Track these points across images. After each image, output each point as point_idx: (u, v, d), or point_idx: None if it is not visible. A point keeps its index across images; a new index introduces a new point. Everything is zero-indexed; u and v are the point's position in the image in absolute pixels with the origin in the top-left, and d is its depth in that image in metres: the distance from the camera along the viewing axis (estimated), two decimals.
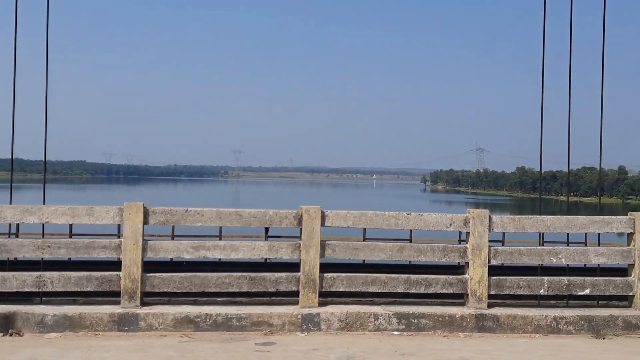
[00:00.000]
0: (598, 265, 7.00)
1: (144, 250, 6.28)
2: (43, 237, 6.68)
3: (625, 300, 6.98)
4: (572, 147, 8.03)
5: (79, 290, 6.30)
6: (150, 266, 6.53)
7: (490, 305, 6.59)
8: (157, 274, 6.37)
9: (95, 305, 6.30)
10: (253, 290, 6.47)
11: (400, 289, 6.58)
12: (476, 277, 6.56)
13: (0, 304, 6.20)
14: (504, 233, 7.00)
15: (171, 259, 6.65)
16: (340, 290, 6.54)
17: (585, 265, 7.05)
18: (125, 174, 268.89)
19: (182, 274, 6.40)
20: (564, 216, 6.93)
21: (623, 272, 7.04)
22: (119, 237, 6.51)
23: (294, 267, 6.65)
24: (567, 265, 6.97)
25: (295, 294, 6.48)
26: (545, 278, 6.73)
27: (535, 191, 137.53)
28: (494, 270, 6.74)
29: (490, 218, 6.64)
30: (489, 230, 6.61)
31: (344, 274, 6.55)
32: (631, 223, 6.82)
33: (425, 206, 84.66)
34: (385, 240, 6.79)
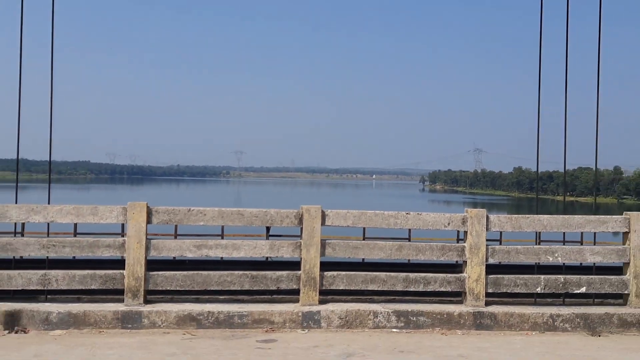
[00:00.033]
0: (594, 263, 7.01)
1: (147, 249, 6.28)
2: (48, 236, 6.68)
3: (620, 298, 6.98)
4: (568, 148, 8.03)
5: (84, 288, 6.30)
6: (153, 265, 6.54)
7: (487, 303, 6.60)
8: (160, 273, 6.37)
9: (100, 303, 6.31)
10: (254, 289, 6.47)
11: (399, 287, 6.58)
12: (474, 275, 6.56)
13: (5, 302, 6.20)
14: (501, 232, 7.00)
15: (174, 257, 6.65)
16: (340, 288, 6.55)
17: (581, 263, 7.05)
18: (129, 174, 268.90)
19: (185, 273, 6.40)
20: (561, 216, 6.93)
21: (618, 270, 7.04)
22: (122, 236, 6.52)
23: (294, 265, 6.65)
24: (564, 263, 6.97)
25: (296, 292, 6.48)
26: (542, 276, 6.73)
27: (532, 191, 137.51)
28: (491, 269, 6.74)
29: (487, 217, 6.64)
30: (487, 229, 6.62)
31: (344, 273, 6.55)
32: (626, 222, 6.82)
33: (424, 206, 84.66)
34: (384, 239, 6.79)
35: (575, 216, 6.96)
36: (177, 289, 6.39)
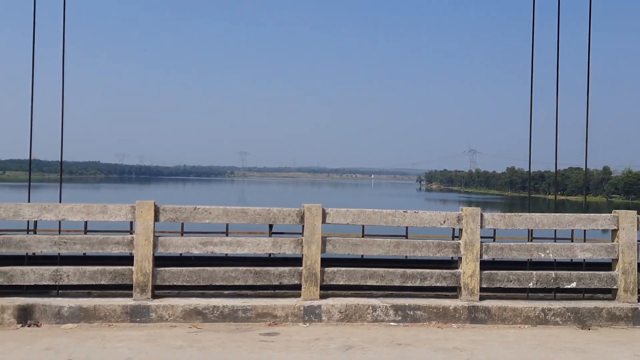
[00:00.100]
0: (584, 260, 7.01)
1: (154, 245, 6.28)
2: (59, 233, 6.68)
3: (609, 293, 6.98)
4: (559, 149, 8.03)
5: (94, 283, 6.31)
6: (160, 261, 6.54)
7: (482, 298, 6.59)
8: (167, 268, 6.37)
9: (109, 297, 6.31)
10: (258, 284, 6.47)
11: (397, 283, 6.58)
12: (469, 271, 6.56)
13: (19, 297, 6.21)
14: (495, 230, 7.00)
15: (180, 254, 6.66)
16: (340, 283, 6.55)
17: (571, 260, 7.05)
18: (137, 174, 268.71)
19: (191, 268, 6.40)
20: (552, 214, 6.93)
21: (607, 266, 7.04)
22: (131, 233, 6.52)
23: (296, 261, 6.65)
24: (555, 260, 6.97)
25: (298, 287, 6.48)
26: (534, 272, 6.73)
27: (524, 190, 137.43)
28: (485, 265, 6.73)
29: (482, 215, 6.64)
30: (481, 227, 6.62)
31: (343, 269, 6.55)
32: (615, 220, 6.81)
33: (421, 204, 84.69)
34: (382, 237, 6.79)
35: (566, 214, 6.96)
36: (184, 284, 6.40)
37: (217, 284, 6.45)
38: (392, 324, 6.28)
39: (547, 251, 6.74)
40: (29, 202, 6.64)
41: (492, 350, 5.41)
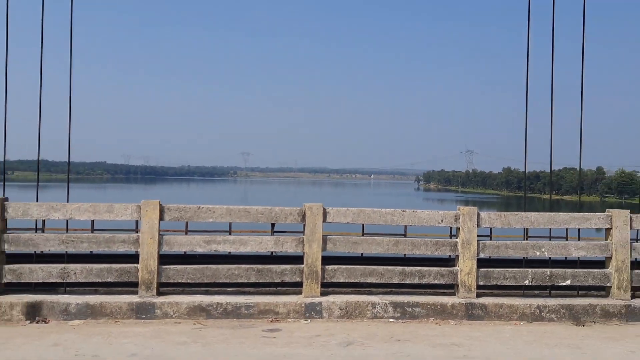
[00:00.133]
0: (578, 258, 7.00)
1: (159, 244, 6.28)
2: (67, 232, 6.68)
3: (603, 290, 6.97)
4: (554, 150, 8.02)
5: (100, 281, 6.31)
6: (165, 259, 6.54)
7: (478, 295, 6.59)
8: (172, 266, 6.37)
9: (115, 295, 6.31)
10: (260, 281, 6.47)
11: (395, 280, 6.57)
12: (466, 269, 6.55)
13: (27, 294, 6.22)
14: (491, 228, 6.99)
15: (185, 252, 6.65)
16: (341, 281, 6.54)
17: (566, 258, 7.04)
18: (143, 174, 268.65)
19: (195, 266, 6.40)
20: (547, 213, 6.92)
21: (601, 264, 7.03)
22: (136, 232, 6.52)
23: (298, 259, 6.65)
24: (550, 258, 6.95)
25: (299, 284, 6.48)
26: (530, 270, 6.72)
27: (520, 190, 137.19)
28: (482, 263, 6.73)
29: (478, 215, 6.63)
30: (478, 225, 6.61)
31: (344, 266, 6.55)
32: (608, 219, 6.81)
33: (419, 204, 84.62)
34: (382, 235, 6.78)
35: (561, 213, 6.95)
36: (188, 281, 6.39)
37: (220, 281, 6.45)
38: (391, 320, 6.28)
39: (543, 249, 6.73)
40: (37, 201, 6.64)
41: (489, 346, 5.40)
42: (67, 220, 6.52)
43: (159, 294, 6.31)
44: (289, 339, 5.45)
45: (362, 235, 6.87)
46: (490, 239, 7.05)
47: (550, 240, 7.10)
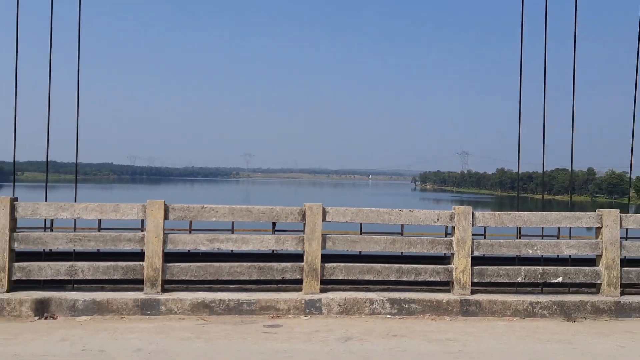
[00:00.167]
0: (569, 256, 6.99)
1: (164, 242, 6.28)
2: (75, 231, 6.68)
3: (593, 287, 6.97)
4: (546, 151, 8.02)
5: (107, 278, 6.31)
6: (170, 257, 6.53)
7: (473, 292, 6.58)
8: (176, 264, 6.37)
9: (121, 291, 6.31)
10: (262, 279, 6.47)
11: (393, 277, 6.57)
12: (461, 266, 6.55)
13: (36, 291, 6.21)
14: (485, 227, 6.99)
15: (189, 250, 6.65)
16: (340, 278, 6.54)
17: (558, 256, 7.03)
18: (148, 175, 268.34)
19: (199, 264, 6.40)
20: (539, 212, 6.92)
21: (592, 262, 7.03)
22: (142, 231, 6.51)
23: (298, 257, 6.64)
24: (542, 256, 6.95)
25: (299, 281, 6.48)
26: (522, 267, 6.72)
27: (513, 190, 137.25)
28: (476, 261, 6.73)
29: (473, 214, 6.63)
30: (472, 224, 6.61)
31: (342, 264, 6.55)
32: (599, 218, 6.81)
33: (415, 203, 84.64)
34: (379, 234, 6.78)
35: (553, 213, 6.95)
36: (192, 279, 6.39)
37: (223, 278, 6.45)
38: (388, 316, 6.27)
39: (535, 248, 6.73)
40: (46, 201, 6.63)
41: (483, 341, 5.40)
42: (74, 220, 6.52)
43: (164, 290, 6.31)
44: (290, 335, 5.45)
45: (361, 234, 6.87)
46: (485, 238, 7.05)
47: (542, 238, 7.10)
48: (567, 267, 6.80)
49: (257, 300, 6.17)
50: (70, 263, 6.27)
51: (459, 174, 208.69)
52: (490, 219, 6.76)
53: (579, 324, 6.25)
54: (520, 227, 7.04)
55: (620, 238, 6.81)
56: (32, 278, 6.24)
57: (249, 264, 6.44)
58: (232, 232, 6.77)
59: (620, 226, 6.79)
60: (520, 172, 8.81)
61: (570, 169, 8.71)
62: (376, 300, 6.32)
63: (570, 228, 7.04)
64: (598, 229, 6.86)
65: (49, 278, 6.26)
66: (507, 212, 6.85)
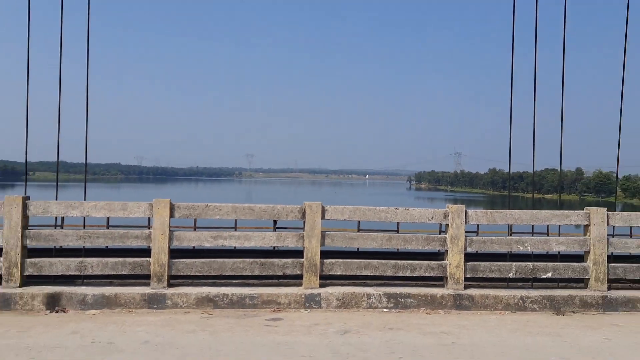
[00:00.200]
0: (558, 252, 7.00)
1: (170, 239, 6.28)
2: (84, 228, 6.69)
3: (582, 282, 6.98)
4: (536, 152, 8.03)
5: (115, 273, 6.31)
6: (175, 253, 6.54)
7: (466, 287, 6.59)
8: (181, 260, 6.37)
9: (129, 286, 6.31)
10: (263, 274, 6.47)
11: (389, 273, 6.58)
12: (454, 262, 6.56)
13: (47, 285, 6.21)
14: (478, 225, 6.99)
15: (193, 247, 6.65)
16: (338, 273, 6.54)
17: (547, 252, 7.05)
18: (154, 175, 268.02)
19: (203, 260, 6.40)
20: (530, 210, 6.93)
21: (580, 258, 7.04)
22: (149, 228, 6.52)
23: (298, 254, 6.64)
24: (532, 252, 6.96)
25: (300, 277, 6.48)
26: (514, 263, 6.73)
27: (504, 189, 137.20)
28: (469, 257, 6.73)
29: (466, 212, 6.63)
30: (465, 222, 6.61)
31: (341, 260, 6.55)
32: (587, 216, 6.81)
33: (411, 202, 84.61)
34: (376, 231, 6.78)
35: (542, 211, 6.96)
36: (196, 274, 6.39)
37: (226, 274, 6.45)
38: (385, 310, 6.28)
39: (525, 244, 6.73)
40: (56, 200, 6.63)
41: (476, 334, 5.41)
42: (84, 217, 6.52)
43: (170, 285, 6.31)
44: (290, 328, 5.45)
45: (358, 231, 6.87)
46: (477, 235, 7.05)
47: (532, 235, 7.10)
48: (556, 263, 6.81)
49: (259, 295, 6.17)
50: (80, 259, 6.27)
51: (452, 174, 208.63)
52: (483, 217, 6.77)
53: (568, 317, 6.26)
54: (511, 225, 7.04)
55: (608, 235, 6.81)
56: (43, 273, 6.24)
57: (251, 260, 6.45)
58: (235, 230, 6.78)
59: (608, 224, 6.80)
60: (511, 172, 8.82)
61: (559, 169, 8.72)
62: (373, 295, 6.32)
63: (559, 226, 7.04)
64: (586, 227, 6.87)
65: (59, 273, 6.26)
66: (499, 211, 6.86)
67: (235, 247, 6.64)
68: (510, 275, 6.70)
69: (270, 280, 6.75)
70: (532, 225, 7.04)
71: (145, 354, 4.56)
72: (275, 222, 6.74)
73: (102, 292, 6.03)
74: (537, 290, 6.73)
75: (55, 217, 6.65)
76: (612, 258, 7.04)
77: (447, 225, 6.65)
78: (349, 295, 6.29)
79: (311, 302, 6.23)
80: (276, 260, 6.46)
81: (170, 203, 6.30)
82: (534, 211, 6.89)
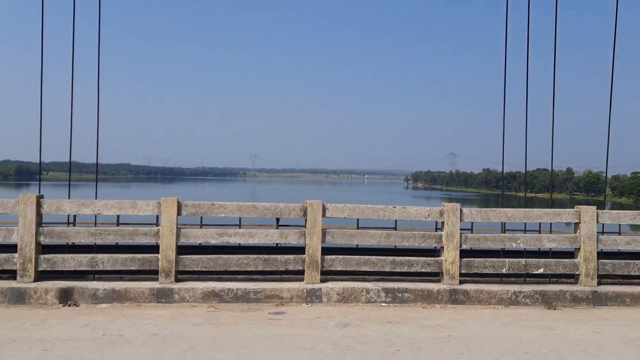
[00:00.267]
0: (550, 249, 6.99)
1: (177, 236, 6.28)
2: (95, 225, 6.69)
3: (572, 278, 6.97)
4: (528, 152, 8.03)
5: (125, 269, 6.31)
6: (182, 249, 6.54)
7: (461, 282, 6.58)
8: (188, 256, 6.37)
9: (138, 281, 6.31)
10: (267, 269, 6.47)
11: (387, 269, 6.57)
12: (450, 258, 6.55)
13: (60, 280, 6.22)
14: (472, 223, 6.98)
15: (200, 243, 6.65)
16: (338, 269, 6.54)
17: (539, 249, 7.03)
18: (162, 175, 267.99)
19: (209, 256, 6.40)
20: (522, 209, 6.92)
21: (571, 255, 7.02)
22: (157, 225, 6.52)
23: (300, 250, 6.64)
24: (525, 249, 6.95)
25: (301, 272, 6.48)
26: (507, 260, 6.72)
27: (498, 188, 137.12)
28: (464, 253, 6.72)
29: (461, 210, 6.62)
30: (460, 220, 6.61)
31: (341, 256, 6.55)
32: (577, 214, 6.80)
33: (408, 201, 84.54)
34: (375, 229, 6.78)
35: (534, 209, 6.95)
36: (203, 269, 6.39)
37: (231, 269, 6.45)
38: (383, 304, 6.27)
39: (518, 241, 6.72)
40: (69, 198, 6.64)
41: (470, 327, 5.40)
42: (95, 215, 6.52)
43: (177, 280, 6.31)
44: (292, 321, 5.45)
45: (357, 228, 6.87)
46: (472, 232, 7.05)
47: (525, 233, 7.09)
48: (548, 260, 6.80)
49: (263, 290, 6.17)
50: (91, 255, 6.28)
51: (448, 174, 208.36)
52: (477, 215, 6.76)
53: (559, 311, 6.25)
54: (504, 223, 7.03)
55: (597, 232, 6.80)
56: (56, 269, 6.25)
57: (255, 256, 6.44)
58: (240, 227, 6.77)
59: (597, 222, 6.78)
60: (504, 172, 8.80)
61: (550, 169, 8.71)
62: (372, 290, 6.32)
63: (550, 223, 7.03)
64: (576, 224, 6.86)
65: (72, 269, 6.27)
66: (493, 209, 6.85)
67: (239, 243, 6.63)
68: (504, 271, 6.69)
69: (273, 276, 6.74)
70: (525, 223, 7.03)
71: (154, 346, 4.57)
72: (278, 219, 6.74)
73: (113, 287, 6.03)
74: (530, 285, 6.72)
75: (68, 215, 6.65)
76: (602, 254, 7.02)
77: (442, 223, 6.64)
78: (348, 290, 6.29)
79: (312, 297, 6.22)
80: (279, 257, 6.46)
81: (178, 202, 6.30)
82: (527, 209, 6.88)
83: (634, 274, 6.86)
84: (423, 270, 6.61)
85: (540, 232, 7.19)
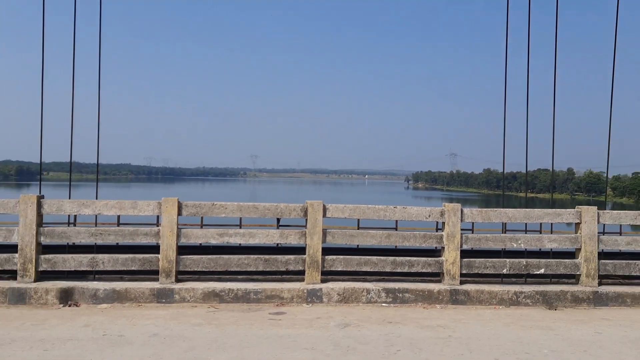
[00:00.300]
0: (551, 249, 6.99)
1: (178, 236, 6.28)
2: (96, 225, 6.69)
3: (573, 278, 6.96)
4: (529, 152, 8.02)
5: (125, 269, 6.31)
6: (183, 250, 6.54)
7: (462, 282, 6.58)
8: (188, 256, 6.37)
9: (138, 281, 6.31)
10: (267, 270, 6.47)
11: (388, 269, 6.57)
12: (450, 259, 6.54)
13: (61, 280, 6.22)
14: (473, 223, 6.98)
15: (200, 243, 6.65)
16: (339, 269, 6.54)
17: (540, 249, 7.02)
18: (163, 175, 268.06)
19: (209, 256, 6.40)
20: (523, 209, 6.91)
21: (571, 255, 7.02)
22: (157, 226, 6.51)
23: (300, 250, 6.64)
24: (525, 249, 6.94)
25: (302, 272, 6.47)
26: (507, 260, 6.71)
27: (499, 189, 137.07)
28: (465, 254, 6.72)
29: (462, 210, 6.62)
30: (461, 220, 6.60)
31: (341, 256, 6.54)
32: (578, 215, 6.80)
33: (408, 201, 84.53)
34: (375, 229, 6.77)
35: (535, 209, 6.94)
36: (203, 270, 6.39)
37: (232, 269, 6.44)
38: (383, 304, 6.27)
39: (519, 242, 6.72)
40: (69, 198, 6.64)
41: (471, 328, 5.40)
42: (96, 216, 6.52)
43: (177, 281, 6.31)
44: (293, 321, 5.45)
45: (358, 229, 6.86)
46: (472, 232, 7.04)
47: (526, 233, 7.09)
48: (548, 260, 6.79)
49: (263, 290, 6.17)
50: (91, 255, 6.28)
51: (448, 174, 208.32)
52: (478, 215, 6.75)
53: (560, 312, 6.25)
54: (505, 223, 7.03)
55: (598, 233, 6.80)
56: (57, 269, 6.25)
57: (256, 256, 6.44)
58: (240, 227, 6.77)
59: (598, 222, 6.78)
60: (505, 172, 8.80)
61: (551, 169, 8.70)
62: (373, 290, 6.31)
63: (551, 224, 7.02)
64: (577, 225, 6.85)
65: (72, 269, 6.27)
66: (493, 209, 6.85)
67: (240, 244, 6.63)
68: (505, 271, 6.68)
69: (274, 276, 6.74)
70: (526, 224, 7.03)
71: (154, 346, 4.56)
72: (278, 220, 6.73)
73: (113, 287, 6.03)
74: (530, 285, 6.71)
75: (68, 215, 6.65)
76: (603, 255, 7.02)
77: (443, 223, 6.64)
78: (349, 290, 6.28)
79: (313, 297, 6.22)
80: (279, 257, 6.46)
81: (178, 202, 6.30)
82: (527, 210, 6.87)
83: (635, 274, 6.85)
84: (424, 270, 6.61)
85: (541, 233, 7.18)
